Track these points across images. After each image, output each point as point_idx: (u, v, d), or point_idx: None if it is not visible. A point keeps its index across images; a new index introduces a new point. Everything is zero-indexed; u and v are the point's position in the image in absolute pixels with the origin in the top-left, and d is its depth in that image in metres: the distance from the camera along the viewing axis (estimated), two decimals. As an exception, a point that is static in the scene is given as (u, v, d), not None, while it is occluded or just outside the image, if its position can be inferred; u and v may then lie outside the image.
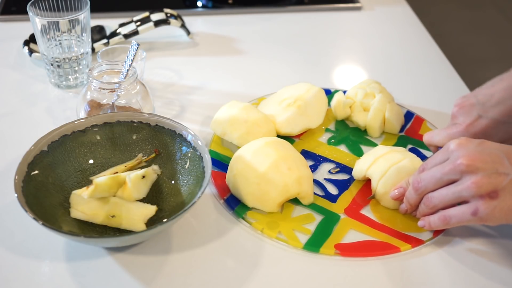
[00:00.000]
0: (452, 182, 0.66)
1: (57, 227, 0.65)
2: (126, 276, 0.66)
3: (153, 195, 0.73)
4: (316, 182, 0.78)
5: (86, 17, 0.90)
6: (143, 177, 0.70)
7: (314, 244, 0.70)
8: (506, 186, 0.63)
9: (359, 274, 0.67)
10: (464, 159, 0.64)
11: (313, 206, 0.75)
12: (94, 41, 1.03)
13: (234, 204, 0.74)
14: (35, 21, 0.89)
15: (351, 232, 0.72)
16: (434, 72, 1.05)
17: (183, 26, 1.08)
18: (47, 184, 0.70)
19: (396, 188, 0.73)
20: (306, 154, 0.83)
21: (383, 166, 0.74)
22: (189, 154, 0.74)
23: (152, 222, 0.69)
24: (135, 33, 1.05)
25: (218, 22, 1.18)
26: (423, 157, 0.83)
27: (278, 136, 0.83)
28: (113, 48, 0.96)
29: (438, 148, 0.79)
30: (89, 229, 0.68)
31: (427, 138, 0.81)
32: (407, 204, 0.72)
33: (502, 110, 0.75)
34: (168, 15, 1.07)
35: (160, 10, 1.08)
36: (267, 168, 0.71)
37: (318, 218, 0.73)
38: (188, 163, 0.73)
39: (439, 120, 0.90)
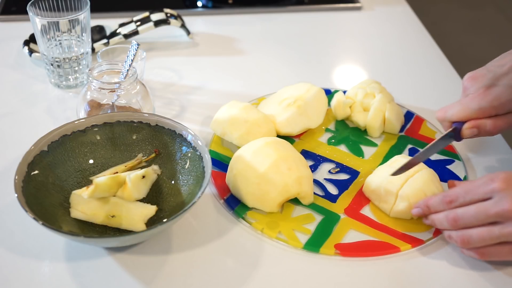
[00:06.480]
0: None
1: (57, 227, 0.65)
2: (126, 276, 0.66)
3: (153, 195, 0.73)
4: (316, 182, 0.78)
5: (86, 17, 0.90)
6: (143, 177, 0.70)
7: (314, 244, 0.70)
8: None
9: (359, 274, 0.67)
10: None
11: (313, 206, 0.75)
12: (94, 41, 1.03)
13: (234, 204, 0.74)
14: (35, 21, 0.89)
15: (351, 232, 0.71)
16: (434, 72, 1.05)
17: (183, 26, 1.08)
18: (47, 184, 0.70)
19: (415, 207, 0.71)
20: (306, 154, 0.83)
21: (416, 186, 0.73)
22: (189, 154, 0.74)
23: (152, 222, 0.69)
24: (135, 33, 1.05)
25: (218, 22, 1.18)
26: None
27: (278, 136, 0.83)
28: (113, 48, 0.96)
29: (452, 123, 0.77)
30: (89, 229, 0.68)
31: (440, 113, 0.78)
32: (433, 224, 0.70)
33: None
34: (168, 15, 1.07)
35: (160, 10, 1.08)
36: (267, 168, 0.71)
37: (318, 218, 0.73)
38: (188, 163, 0.73)
39: (439, 120, 0.90)
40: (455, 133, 0.76)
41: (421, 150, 0.73)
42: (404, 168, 0.72)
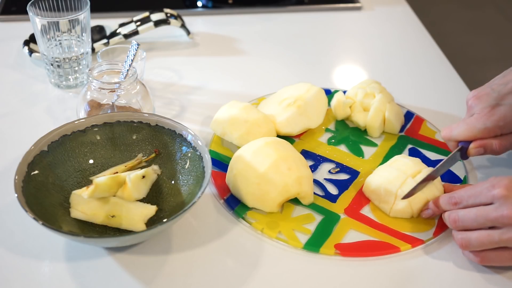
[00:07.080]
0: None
1: (57, 227, 0.65)
2: (126, 276, 0.66)
3: (153, 195, 0.73)
4: (316, 182, 0.78)
5: (86, 17, 0.90)
6: (143, 177, 0.70)
7: (314, 244, 0.70)
8: None
9: (359, 274, 0.67)
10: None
11: (313, 206, 0.75)
12: (94, 41, 1.03)
13: (234, 204, 0.74)
14: (35, 21, 0.89)
15: (351, 232, 0.72)
16: (434, 72, 1.05)
17: (183, 26, 1.08)
18: (47, 184, 0.70)
19: (425, 209, 0.72)
20: (306, 154, 0.83)
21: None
22: (189, 154, 0.74)
23: (152, 222, 0.69)
24: (135, 33, 1.05)
25: (218, 22, 1.18)
26: (423, 158, 0.83)
27: (278, 136, 0.83)
28: (113, 48, 0.96)
29: (458, 143, 0.77)
30: (89, 229, 0.68)
31: (445, 133, 0.78)
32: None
33: None
34: (168, 15, 1.07)
35: (160, 10, 1.08)
36: (267, 168, 0.71)
37: (318, 218, 0.73)
38: (188, 163, 0.73)
39: (439, 120, 0.90)
40: (462, 152, 0.77)
41: (430, 172, 0.74)
42: (414, 190, 0.72)
